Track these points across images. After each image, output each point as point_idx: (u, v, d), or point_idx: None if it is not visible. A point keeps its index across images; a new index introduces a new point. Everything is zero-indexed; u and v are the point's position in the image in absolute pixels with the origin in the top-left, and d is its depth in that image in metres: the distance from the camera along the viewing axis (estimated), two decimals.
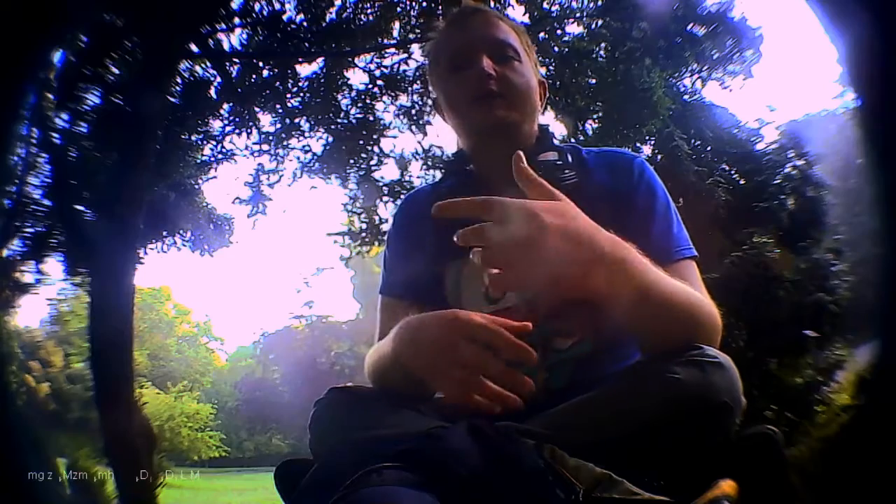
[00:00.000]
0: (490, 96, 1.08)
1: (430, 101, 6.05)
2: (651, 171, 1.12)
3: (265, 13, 6.20)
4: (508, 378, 0.78)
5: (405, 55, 6.53)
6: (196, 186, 6.94)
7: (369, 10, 6.40)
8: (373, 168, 6.85)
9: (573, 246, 0.79)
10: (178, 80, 5.99)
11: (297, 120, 6.70)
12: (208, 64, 6.26)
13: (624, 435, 0.79)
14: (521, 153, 0.87)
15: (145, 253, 6.40)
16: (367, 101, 6.69)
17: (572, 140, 6.28)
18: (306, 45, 6.43)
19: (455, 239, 0.81)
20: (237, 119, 6.65)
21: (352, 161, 6.80)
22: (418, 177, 6.84)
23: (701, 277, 1.04)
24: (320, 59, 6.53)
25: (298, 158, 6.91)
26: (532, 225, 0.77)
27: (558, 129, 6.66)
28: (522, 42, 1.16)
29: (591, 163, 1.13)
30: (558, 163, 1.08)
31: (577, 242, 0.79)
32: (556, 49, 6.36)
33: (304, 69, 6.60)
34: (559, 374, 0.99)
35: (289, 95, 6.59)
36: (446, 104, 1.17)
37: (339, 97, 6.69)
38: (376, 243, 7.08)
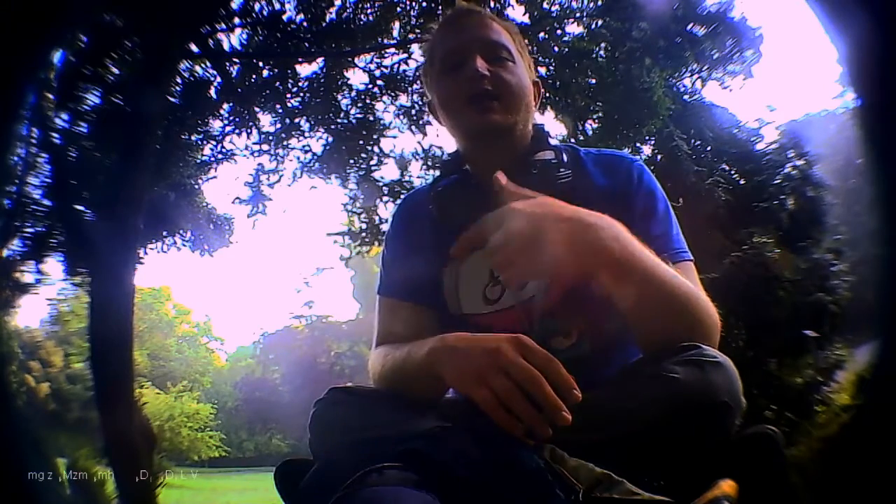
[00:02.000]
0: (484, 97, 1.07)
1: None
2: (650, 174, 1.12)
3: (265, 13, 6.20)
4: (532, 422, 0.76)
5: (405, 55, 6.53)
6: (196, 186, 6.94)
7: (369, 10, 6.40)
8: (373, 168, 6.85)
9: (563, 223, 0.83)
10: (178, 80, 5.99)
11: (297, 120, 6.70)
12: (208, 64, 6.25)
13: (624, 435, 0.79)
14: (502, 175, 0.91)
15: (145, 253, 6.41)
16: (367, 101, 6.68)
17: (572, 140, 6.28)
18: (306, 45, 6.43)
19: (452, 252, 0.86)
20: (237, 119, 6.65)
21: (352, 161, 6.80)
22: (418, 177, 6.85)
23: (700, 279, 1.04)
24: (320, 59, 6.53)
25: (298, 158, 6.92)
26: (520, 218, 0.82)
27: (558, 129, 6.66)
28: (516, 43, 1.15)
29: (589, 163, 1.13)
30: (553, 162, 1.08)
31: (566, 219, 0.83)
32: (556, 49, 6.36)
33: (304, 69, 6.61)
34: None
35: (289, 95, 6.59)
36: (440, 105, 1.16)
37: (339, 97, 6.69)
38: (376, 243, 7.08)
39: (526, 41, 1.22)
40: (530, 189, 1.01)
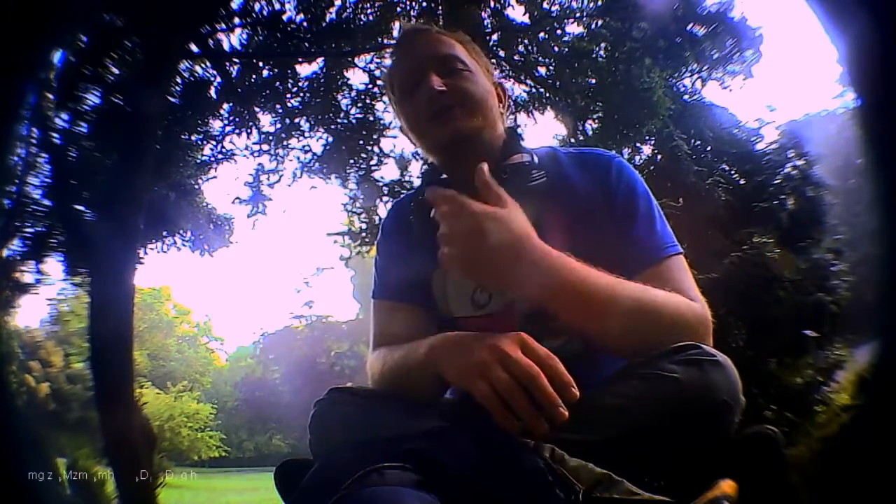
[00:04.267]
0: (445, 110, 1.09)
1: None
2: (630, 170, 1.12)
3: (265, 13, 6.20)
4: (530, 419, 0.76)
5: None
6: (196, 186, 6.94)
7: (369, 10, 6.41)
8: (373, 168, 6.84)
9: (506, 241, 0.85)
10: (178, 80, 5.99)
11: (297, 120, 6.70)
12: (208, 64, 6.25)
13: (624, 435, 0.79)
14: (485, 165, 0.92)
15: (145, 253, 6.40)
16: (367, 101, 6.68)
17: (572, 140, 6.28)
18: (306, 45, 6.43)
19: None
20: (237, 119, 6.65)
21: (352, 161, 6.79)
22: (418, 177, 6.83)
23: (700, 279, 1.04)
24: (320, 59, 6.53)
25: (298, 158, 6.92)
26: (472, 221, 0.85)
27: (558, 130, 6.66)
28: (469, 51, 1.17)
29: (567, 164, 1.14)
30: (525, 164, 1.08)
31: (510, 240, 0.86)
32: (556, 49, 6.36)
33: (304, 69, 6.61)
34: None
35: (289, 95, 6.58)
36: (408, 127, 1.18)
37: (339, 97, 6.69)
38: (375, 245, 7.06)
39: (490, 44, 1.24)
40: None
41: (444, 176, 1.17)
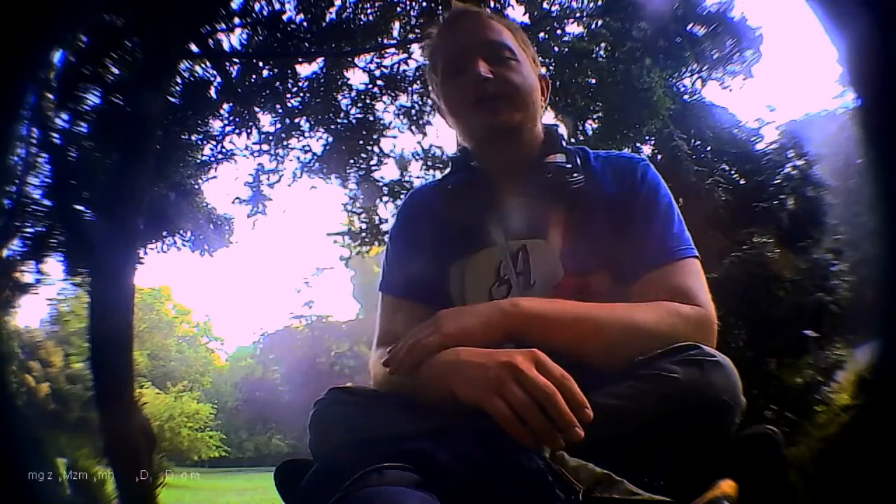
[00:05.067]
0: (490, 99, 1.07)
1: (430, 102, 6.04)
2: (654, 172, 1.11)
3: (265, 13, 6.19)
4: (545, 435, 0.75)
5: (405, 55, 6.52)
6: (196, 186, 6.93)
7: (369, 10, 6.40)
8: (373, 168, 6.84)
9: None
10: (178, 80, 5.99)
11: (297, 120, 6.69)
12: (208, 64, 6.25)
13: (624, 435, 0.79)
14: None
15: (145, 253, 6.40)
16: (367, 101, 6.68)
17: (572, 140, 6.28)
18: (306, 45, 6.43)
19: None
20: (237, 119, 6.64)
21: (352, 161, 6.79)
22: (418, 177, 6.84)
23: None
24: (320, 59, 6.53)
25: (298, 158, 6.91)
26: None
27: (558, 130, 6.64)
28: (518, 40, 1.14)
29: (598, 168, 1.13)
30: (567, 165, 1.08)
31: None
32: (556, 49, 6.35)
33: (304, 69, 6.60)
34: None
35: (289, 95, 6.58)
36: (448, 109, 1.16)
37: (339, 97, 6.68)
38: (376, 243, 7.07)
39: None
40: (540, 192, 1.05)
41: (475, 163, 1.15)
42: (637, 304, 0.94)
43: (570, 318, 0.91)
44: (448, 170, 1.22)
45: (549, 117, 6.53)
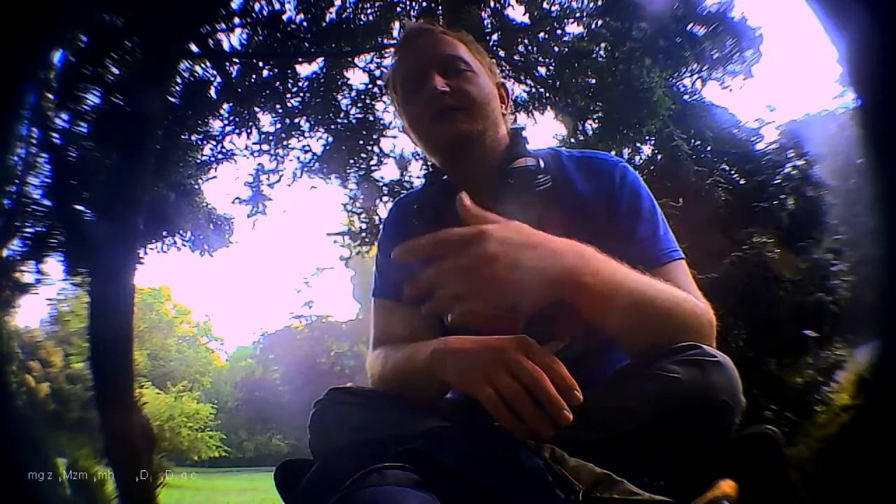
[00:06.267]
0: (447, 111, 1.08)
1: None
2: (634, 174, 1.11)
3: (265, 13, 6.20)
4: (535, 422, 0.76)
5: None
6: (196, 186, 6.94)
7: (369, 10, 6.41)
8: (373, 168, 6.84)
9: (528, 250, 0.80)
10: (178, 80, 5.99)
11: (297, 120, 6.70)
12: (208, 64, 6.26)
13: (624, 435, 0.79)
14: (465, 197, 0.86)
15: (145, 253, 6.40)
16: (367, 101, 6.68)
17: (572, 140, 6.28)
18: (306, 45, 6.43)
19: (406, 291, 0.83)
20: (237, 119, 6.65)
21: (352, 161, 6.80)
22: (418, 177, 6.84)
23: (700, 279, 1.04)
24: (320, 59, 6.53)
25: (298, 158, 6.92)
26: (489, 244, 0.78)
27: (558, 130, 6.65)
28: (473, 52, 1.16)
29: (571, 167, 1.13)
30: (531, 168, 1.08)
31: (531, 246, 0.81)
32: (556, 49, 6.36)
33: (304, 69, 6.61)
34: None
35: (289, 95, 6.59)
36: (410, 128, 1.18)
37: (339, 97, 6.69)
38: (376, 243, 7.05)
39: (492, 44, 1.22)
40: (509, 198, 1.02)
41: (446, 177, 1.16)
42: (674, 288, 0.93)
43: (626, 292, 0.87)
44: (424, 182, 1.23)
45: (549, 117, 6.55)
